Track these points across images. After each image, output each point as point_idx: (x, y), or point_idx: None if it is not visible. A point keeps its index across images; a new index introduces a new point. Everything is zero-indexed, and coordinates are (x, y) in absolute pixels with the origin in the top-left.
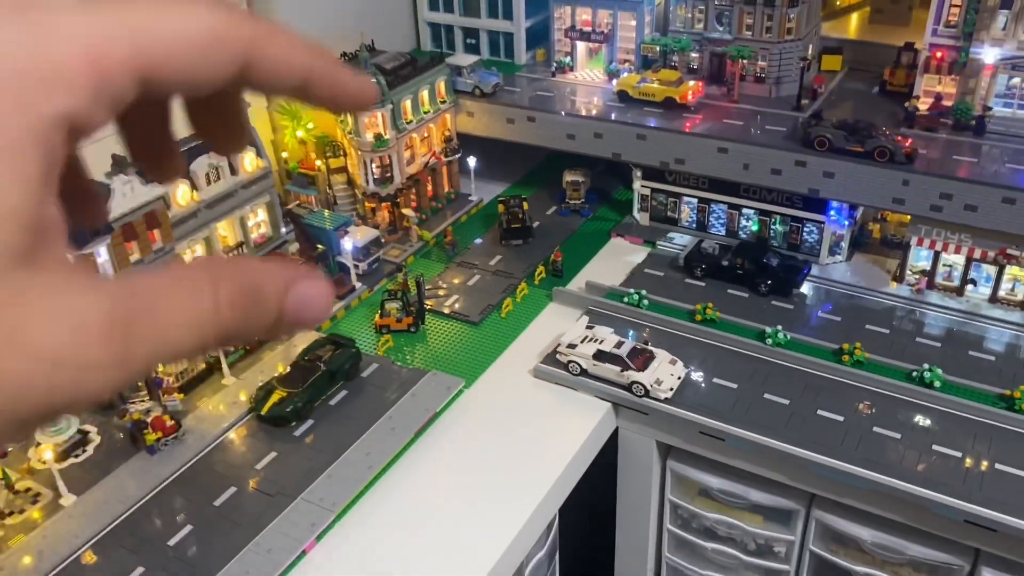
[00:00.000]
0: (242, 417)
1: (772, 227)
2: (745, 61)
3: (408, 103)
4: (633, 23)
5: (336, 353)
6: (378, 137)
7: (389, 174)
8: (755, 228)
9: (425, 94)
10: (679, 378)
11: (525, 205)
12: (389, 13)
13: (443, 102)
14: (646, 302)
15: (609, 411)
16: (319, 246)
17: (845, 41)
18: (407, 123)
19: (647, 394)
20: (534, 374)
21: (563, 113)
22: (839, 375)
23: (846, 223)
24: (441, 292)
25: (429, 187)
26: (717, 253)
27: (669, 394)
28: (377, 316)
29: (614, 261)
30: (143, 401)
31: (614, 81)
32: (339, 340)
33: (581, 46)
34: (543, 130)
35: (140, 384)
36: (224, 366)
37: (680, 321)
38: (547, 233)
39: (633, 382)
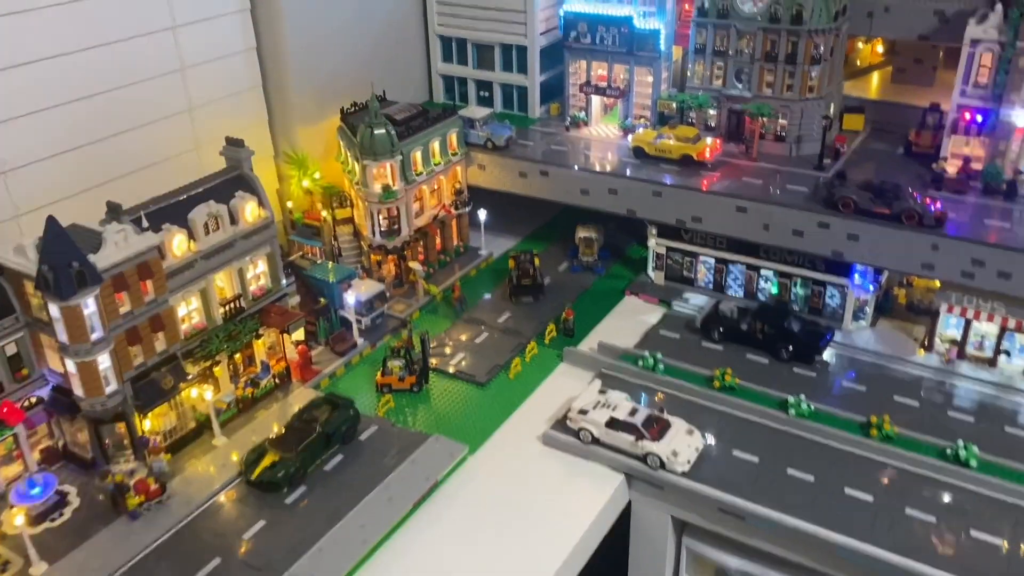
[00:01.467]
0: (231, 481)
1: (793, 290)
2: (765, 119)
3: (418, 154)
4: (650, 79)
5: (333, 414)
6: (386, 188)
7: (396, 226)
8: (775, 291)
9: (436, 146)
10: (697, 450)
11: (536, 261)
12: (402, 64)
13: (455, 154)
14: (662, 366)
15: (622, 483)
16: (321, 299)
17: (867, 101)
18: (417, 175)
19: (663, 466)
20: (543, 441)
21: (577, 168)
22: (867, 450)
23: (871, 288)
24: (447, 350)
25: (438, 240)
26: (736, 316)
27: (686, 467)
28: (379, 374)
29: (628, 321)
30: (127, 461)
31: (629, 137)
32: (337, 400)
33: (596, 101)
34: (556, 185)
35: (126, 442)
36: (215, 425)
37: (697, 387)
38: (558, 290)
39: (648, 453)
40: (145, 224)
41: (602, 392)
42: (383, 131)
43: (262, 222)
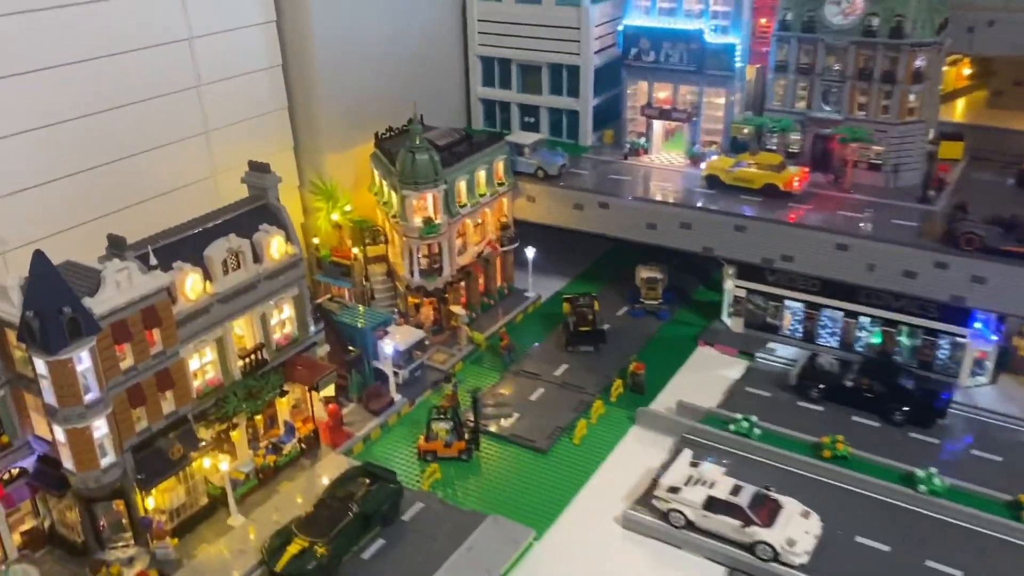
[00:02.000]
0: (251, 571)
1: (899, 340)
2: (857, 145)
3: (463, 184)
4: (720, 100)
5: (372, 490)
6: (428, 222)
7: (438, 265)
8: (876, 340)
9: (482, 175)
10: (815, 536)
11: (596, 305)
12: (439, 88)
13: (501, 184)
14: (757, 431)
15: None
16: (351, 348)
17: (963, 126)
18: (461, 207)
19: (776, 558)
20: (623, 523)
21: (641, 199)
22: (1020, 536)
23: (993, 338)
24: (496, 407)
25: (480, 281)
26: (837, 371)
27: (804, 559)
28: (421, 439)
29: (705, 375)
30: (126, 547)
31: (702, 165)
32: (376, 471)
33: (658, 125)
34: (618, 218)
35: (125, 523)
36: (231, 501)
37: (802, 458)
38: (620, 338)
39: (758, 542)
40: (153, 261)
41: (694, 464)
42: (426, 157)
43: (289, 260)
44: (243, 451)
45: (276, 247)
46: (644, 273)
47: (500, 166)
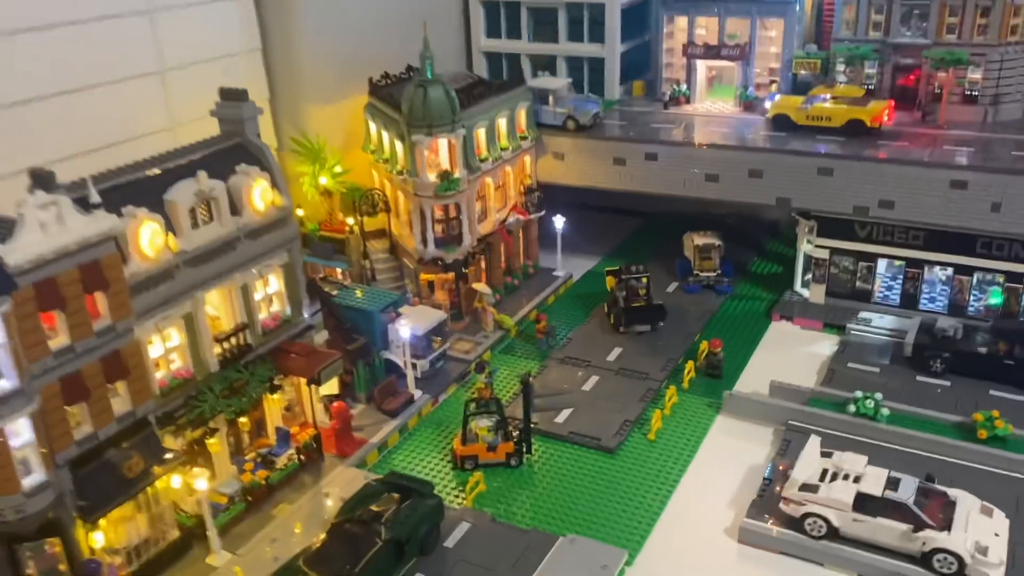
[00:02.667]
0: None
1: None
2: (952, 73)
3: (482, 132)
4: (774, 34)
5: (403, 508)
6: (444, 176)
7: (456, 231)
8: (996, 301)
9: (503, 124)
10: (1006, 540)
11: (645, 279)
12: (436, 41)
13: (523, 137)
14: (885, 411)
15: None
16: (355, 337)
17: None
18: (481, 161)
19: (960, 571)
20: (739, 536)
21: (701, 145)
22: None
23: None
24: (540, 400)
25: (502, 257)
26: (961, 337)
27: (1000, 571)
28: (456, 441)
29: (789, 354)
30: None
31: (767, 103)
32: (407, 483)
33: (702, 68)
34: (669, 172)
35: (62, 568)
36: (211, 533)
37: (952, 441)
38: (675, 317)
39: (936, 550)
40: (96, 198)
41: (826, 455)
42: (440, 92)
43: (277, 214)
44: (224, 466)
45: (260, 195)
46: (698, 240)
47: (523, 115)
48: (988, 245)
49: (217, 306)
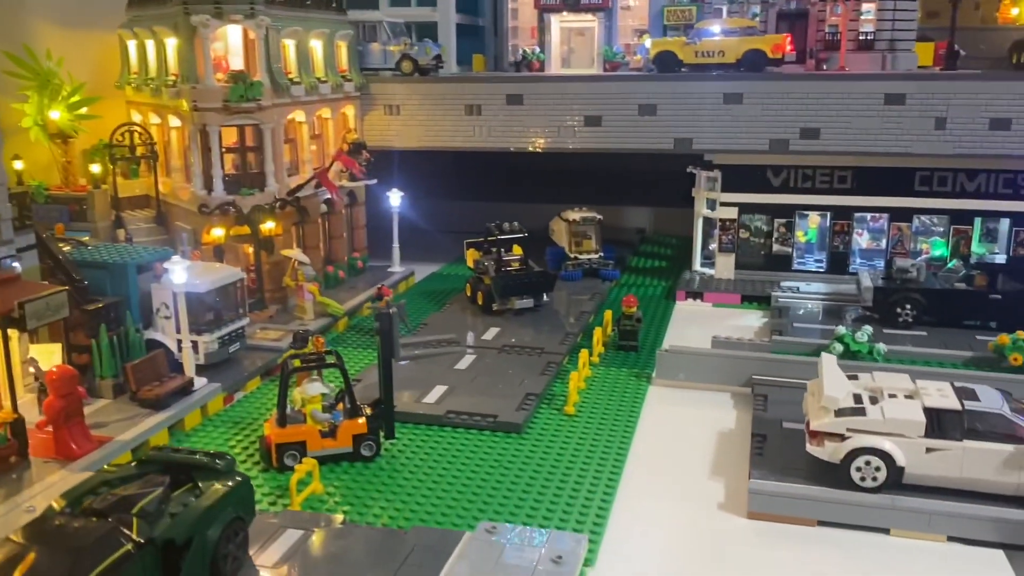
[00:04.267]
0: None
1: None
2: (847, 7)
3: (290, 45)
4: None
5: (179, 494)
6: (239, 78)
7: (257, 170)
8: (940, 252)
9: (318, 48)
10: None
11: (517, 249)
12: None
13: (346, 78)
14: (882, 346)
15: (1001, 567)
16: (98, 300)
17: None
18: (292, 82)
19: None
20: (749, 509)
21: (579, 77)
22: None
23: None
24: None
25: (320, 242)
26: (927, 276)
27: None
28: (268, 425)
29: (710, 329)
30: None
31: (647, 41)
32: (186, 459)
33: (556, 26)
34: (537, 118)
35: None
36: None
37: (983, 374)
38: (560, 302)
39: None
40: None
41: (852, 378)
42: None
43: None
44: None
45: None
46: (572, 215)
47: (343, 50)
48: (928, 180)
49: None
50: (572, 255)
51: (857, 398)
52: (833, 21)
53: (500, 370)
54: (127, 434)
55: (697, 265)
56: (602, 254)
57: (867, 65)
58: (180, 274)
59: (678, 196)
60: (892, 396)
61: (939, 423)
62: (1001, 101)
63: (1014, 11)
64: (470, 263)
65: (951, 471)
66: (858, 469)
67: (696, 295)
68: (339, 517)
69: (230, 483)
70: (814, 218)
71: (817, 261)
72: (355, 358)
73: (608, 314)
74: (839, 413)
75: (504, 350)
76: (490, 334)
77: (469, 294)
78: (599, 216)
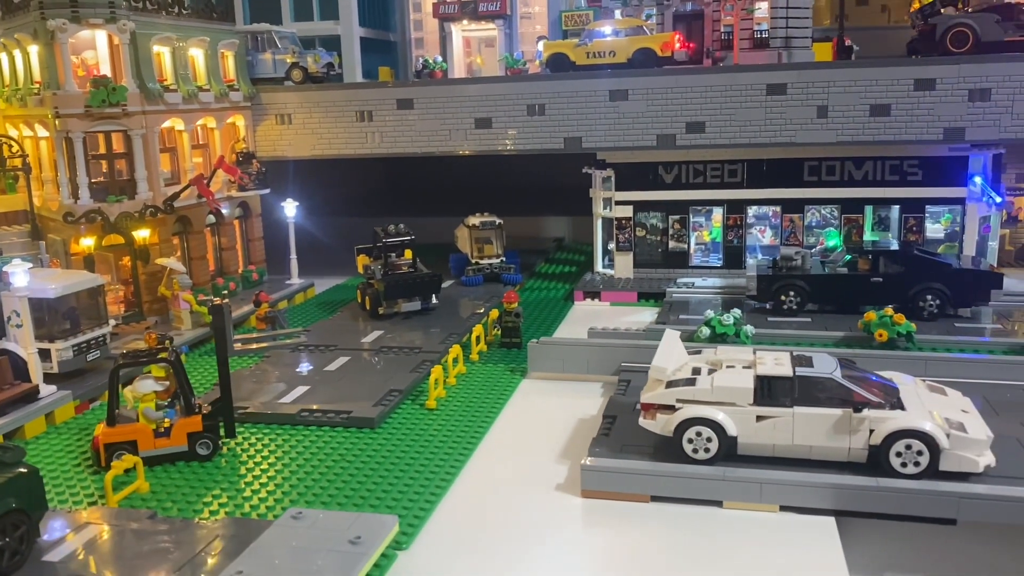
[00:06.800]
0: None
1: (873, 233)
2: (739, 6)
3: (163, 51)
4: None
5: None
6: (103, 83)
7: (127, 177)
8: (834, 243)
9: (200, 57)
10: (980, 418)
11: (408, 253)
12: None
13: (232, 88)
14: (749, 328)
15: (830, 529)
16: None
17: None
18: (165, 88)
19: (934, 462)
20: (582, 488)
21: (469, 80)
22: None
23: (998, 199)
24: (253, 386)
25: (209, 254)
26: (812, 264)
27: (990, 458)
28: (100, 426)
29: (602, 325)
30: None
31: (540, 43)
32: None
33: (457, 35)
34: (429, 123)
35: None
36: None
37: (848, 351)
38: (455, 305)
39: (892, 436)
40: None
41: (695, 353)
42: None
43: None
44: None
45: None
46: (473, 220)
47: (229, 59)
48: (817, 170)
49: None
50: (473, 260)
51: (695, 371)
52: (728, 21)
53: (370, 370)
54: None
55: (599, 267)
56: (504, 259)
57: (763, 60)
58: (21, 277)
59: None
60: (730, 368)
61: (770, 390)
62: (880, 87)
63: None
64: (360, 269)
65: (783, 439)
66: (690, 441)
67: (594, 295)
68: (146, 512)
69: (9, 474)
70: (717, 216)
71: (716, 257)
72: (233, 365)
73: (494, 313)
74: (670, 384)
75: (381, 351)
76: (371, 336)
77: (359, 300)
78: (499, 220)
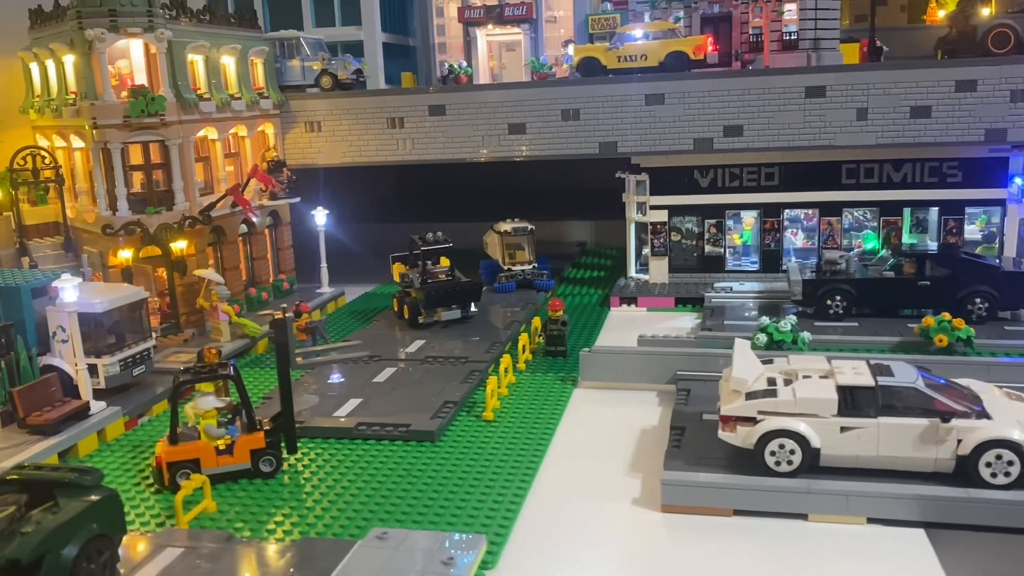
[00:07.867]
0: None
1: (912, 235)
2: (768, 8)
3: (199, 62)
4: None
5: (34, 513)
6: (141, 93)
7: (164, 188)
8: (872, 246)
9: (232, 65)
10: None
11: (445, 261)
12: None
13: (262, 95)
14: (806, 335)
15: (922, 544)
16: None
17: None
18: (200, 97)
19: None
20: (662, 502)
21: (501, 85)
22: None
23: None
24: (310, 396)
25: (242, 264)
26: (855, 268)
27: None
28: (161, 444)
29: (643, 332)
30: None
31: (570, 48)
32: (47, 475)
33: (482, 40)
34: (461, 128)
35: None
36: None
37: (909, 357)
38: (492, 312)
39: (982, 446)
40: None
41: (768, 363)
42: None
43: None
44: None
45: None
46: (504, 227)
47: (259, 67)
48: (855, 172)
49: None
50: (505, 267)
51: (771, 381)
52: (756, 23)
53: (419, 381)
54: (9, 461)
55: (632, 271)
56: (536, 265)
57: (792, 65)
58: (71, 292)
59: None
60: (807, 377)
61: (853, 400)
62: (920, 89)
63: (941, 13)
64: (396, 277)
65: (868, 450)
66: (772, 453)
67: (630, 300)
68: (222, 533)
69: (91, 499)
70: (748, 220)
71: (751, 261)
72: (263, 379)
73: (536, 321)
74: (750, 396)
75: (427, 361)
76: (414, 347)
77: (396, 309)
78: (531, 226)
